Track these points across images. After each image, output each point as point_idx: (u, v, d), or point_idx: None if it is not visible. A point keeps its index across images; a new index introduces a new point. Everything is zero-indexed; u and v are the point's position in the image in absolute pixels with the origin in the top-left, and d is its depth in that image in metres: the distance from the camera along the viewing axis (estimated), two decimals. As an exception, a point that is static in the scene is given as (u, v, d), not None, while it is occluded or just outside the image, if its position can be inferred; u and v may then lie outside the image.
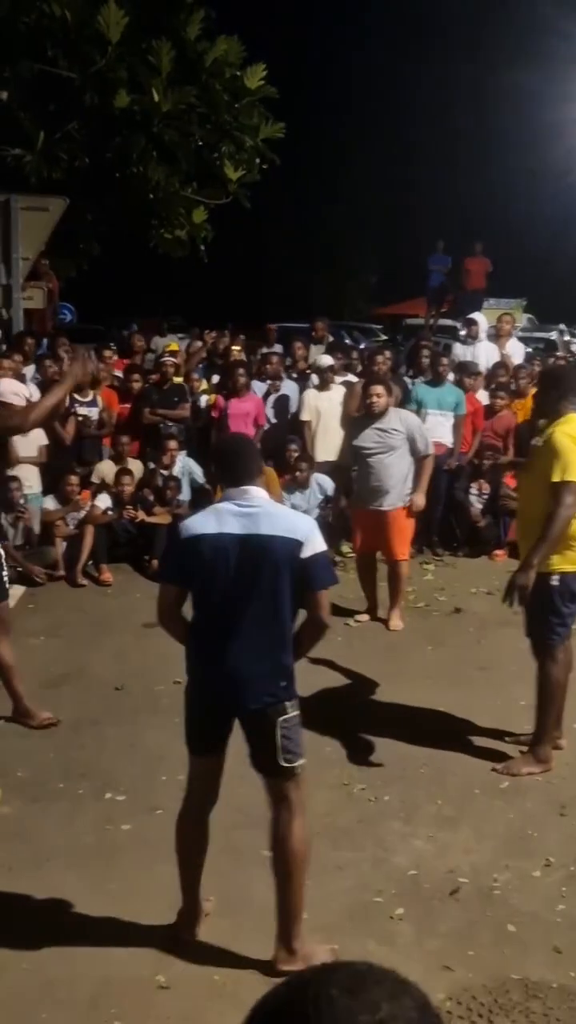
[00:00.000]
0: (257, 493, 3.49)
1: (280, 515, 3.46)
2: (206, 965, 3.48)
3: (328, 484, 9.00)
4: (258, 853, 4.15)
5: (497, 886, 3.97)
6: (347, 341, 16.94)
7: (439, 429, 8.82)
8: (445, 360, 9.17)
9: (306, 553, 3.35)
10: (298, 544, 3.34)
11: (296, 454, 9.12)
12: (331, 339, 11.17)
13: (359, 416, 7.32)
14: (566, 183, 29.66)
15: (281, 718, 3.44)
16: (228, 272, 25.25)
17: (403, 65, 30.48)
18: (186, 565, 3.49)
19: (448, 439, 8.96)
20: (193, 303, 22.77)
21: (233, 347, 11.16)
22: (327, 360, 9.45)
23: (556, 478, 4.61)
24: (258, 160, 11.08)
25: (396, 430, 6.93)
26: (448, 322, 18.22)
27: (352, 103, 31.07)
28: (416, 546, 9.20)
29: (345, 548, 9.10)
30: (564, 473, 4.60)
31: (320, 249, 32.70)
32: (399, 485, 6.98)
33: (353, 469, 7.38)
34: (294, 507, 8.86)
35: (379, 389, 6.97)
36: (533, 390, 9.63)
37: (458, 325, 15.05)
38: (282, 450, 9.23)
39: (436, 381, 9.10)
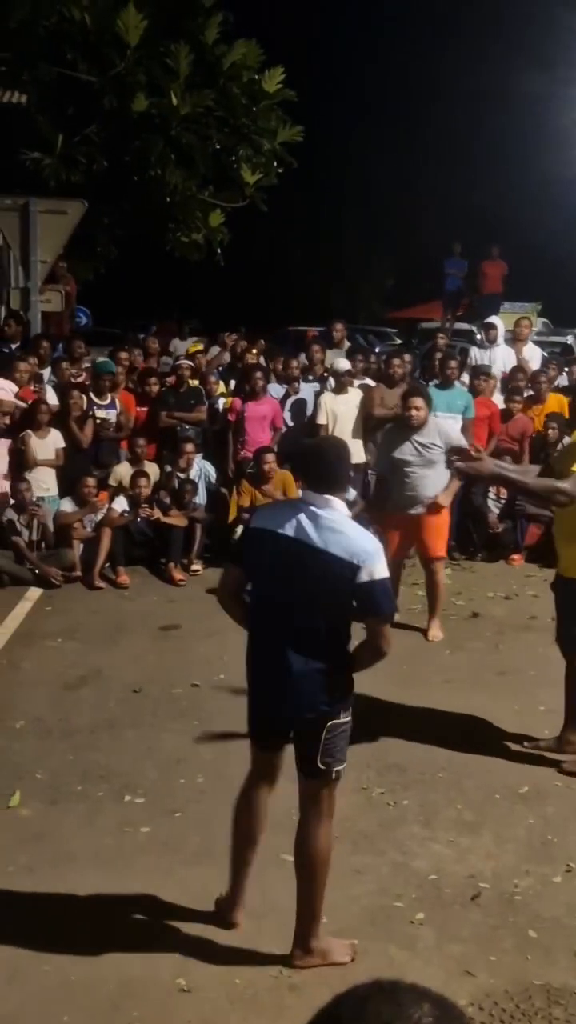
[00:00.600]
0: (336, 505, 3.43)
1: (347, 534, 3.33)
2: (227, 968, 3.47)
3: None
4: (278, 857, 4.14)
5: (518, 891, 3.95)
6: (362, 344, 16.94)
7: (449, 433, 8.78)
8: (453, 362, 9.13)
9: (362, 579, 3.27)
10: (355, 568, 3.27)
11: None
12: (348, 344, 11.15)
13: (397, 427, 7.21)
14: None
15: (330, 723, 3.45)
16: (244, 275, 25.28)
17: (421, 69, 30.50)
18: (248, 553, 3.52)
19: (459, 442, 8.91)
20: (209, 306, 22.80)
21: (252, 350, 11.16)
22: (344, 364, 9.44)
23: None
24: (275, 163, 11.09)
25: (436, 445, 6.81)
26: (464, 326, 18.19)
27: (369, 106, 31.09)
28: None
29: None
30: None
31: (336, 252, 32.72)
32: (436, 493, 6.95)
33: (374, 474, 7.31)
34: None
35: (419, 402, 6.80)
36: (552, 395, 9.66)
37: (475, 329, 15.03)
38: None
39: (445, 384, 9.09)
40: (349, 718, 3.51)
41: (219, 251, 12.36)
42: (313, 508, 3.38)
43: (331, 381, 9.48)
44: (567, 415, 9.48)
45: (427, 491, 6.92)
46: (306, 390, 9.96)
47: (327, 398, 9.28)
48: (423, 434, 6.85)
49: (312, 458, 3.67)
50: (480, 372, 9.60)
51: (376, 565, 3.30)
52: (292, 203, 25.48)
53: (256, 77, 10.62)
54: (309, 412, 9.78)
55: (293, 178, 12.41)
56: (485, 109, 30.64)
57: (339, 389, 9.29)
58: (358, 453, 9.24)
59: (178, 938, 3.63)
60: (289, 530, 3.36)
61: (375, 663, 3.53)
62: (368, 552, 3.31)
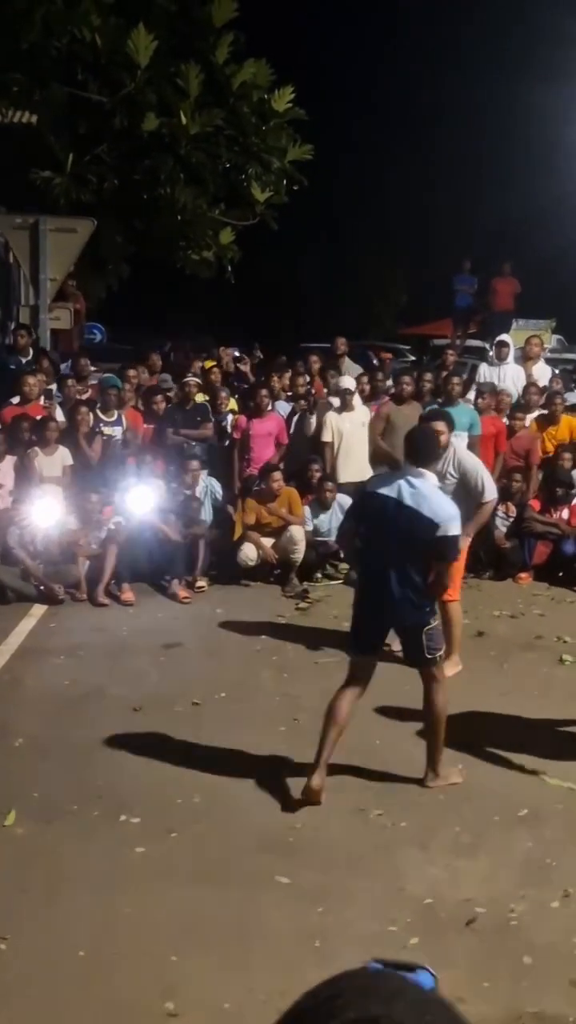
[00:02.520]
0: (428, 476, 4.81)
1: (433, 500, 4.69)
2: (215, 991, 3.44)
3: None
4: (272, 879, 4.12)
5: (514, 917, 3.90)
6: (374, 362, 16.94)
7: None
8: (457, 380, 9.09)
9: (439, 533, 4.60)
10: (435, 526, 4.59)
11: (319, 474, 9.11)
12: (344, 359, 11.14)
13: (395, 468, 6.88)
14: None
15: (426, 628, 4.78)
16: (258, 293, 25.38)
17: (433, 86, 30.60)
18: (361, 511, 5.00)
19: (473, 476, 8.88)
20: (224, 323, 22.87)
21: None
22: (349, 382, 9.45)
23: None
24: (285, 181, 11.14)
25: (451, 475, 6.26)
26: (477, 343, 18.16)
27: (381, 124, 31.21)
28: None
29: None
30: None
31: (349, 269, 32.79)
32: None
33: None
34: (317, 528, 8.87)
35: (440, 425, 6.28)
36: (564, 418, 9.61)
37: (487, 346, 15.00)
38: (304, 471, 9.23)
39: (449, 401, 9.04)
40: (437, 622, 4.91)
41: (230, 268, 12.40)
42: (412, 479, 4.71)
43: (335, 400, 9.48)
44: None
45: None
46: (281, 408, 9.98)
47: (332, 416, 9.28)
48: (442, 460, 6.29)
49: (410, 440, 5.02)
50: (485, 389, 9.57)
51: (451, 525, 4.64)
52: (306, 221, 25.60)
53: (266, 96, 10.67)
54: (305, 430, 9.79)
55: (307, 196, 12.45)
56: (498, 125, 30.72)
57: (344, 407, 9.29)
58: (364, 471, 9.23)
59: (168, 961, 3.59)
60: (392, 492, 4.69)
61: (441, 594, 4.99)
62: (447, 515, 4.65)
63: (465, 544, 6.46)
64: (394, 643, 6.25)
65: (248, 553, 8.63)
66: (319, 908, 3.91)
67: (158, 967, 3.56)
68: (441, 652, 4.97)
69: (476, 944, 3.74)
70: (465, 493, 6.20)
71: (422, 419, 7.04)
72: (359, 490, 5.08)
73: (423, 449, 4.93)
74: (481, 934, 3.80)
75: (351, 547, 5.35)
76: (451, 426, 6.49)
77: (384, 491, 4.74)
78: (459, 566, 6.73)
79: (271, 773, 5.09)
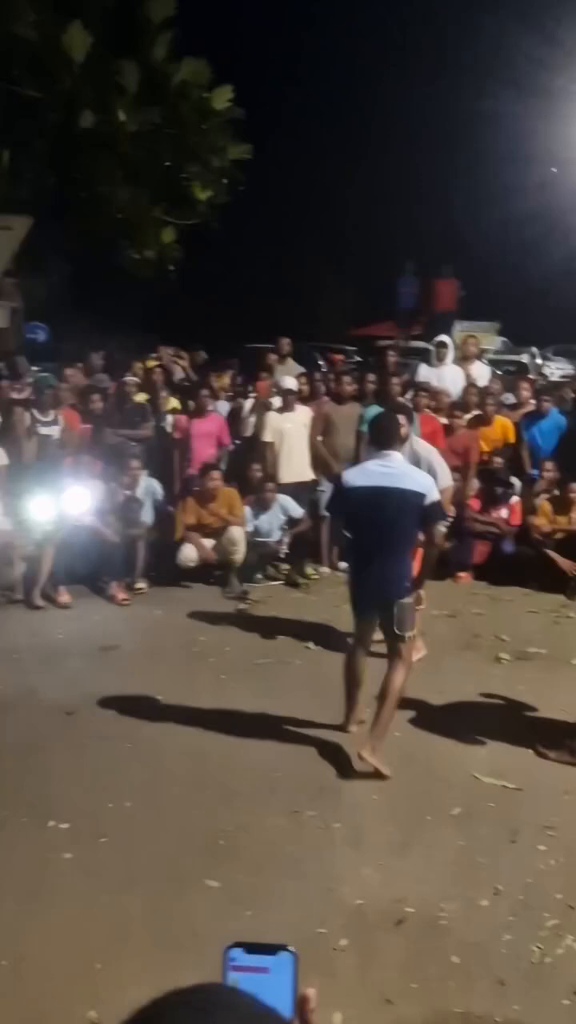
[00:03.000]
0: (396, 457, 5.23)
1: (410, 475, 5.18)
2: (141, 1000, 3.37)
3: (292, 506, 8.94)
4: (201, 882, 4.07)
5: (444, 916, 3.89)
6: (320, 363, 16.97)
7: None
8: (396, 380, 9.15)
9: (427, 501, 5.08)
10: (422, 496, 5.06)
11: (259, 474, 9.08)
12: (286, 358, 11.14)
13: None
14: (539, 209, 29.91)
15: (399, 601, 5.16)
16: (204, 293, 25.24)
17: (376, 88, 30.70)
18: (343, 506, 5.35)
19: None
20: (171, 324, 22.69)
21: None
22: (290, 382, 9.43)
23: None
24: (226, 181, 11.09)
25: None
26: (421, 344, 18.26)
27: (326, 126, 31.22)
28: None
29: (310, 570, 9.05)
30: None
31: (296, 270, 32.77)
32: None
33: None
34: (258, 528, 8.83)
35: (401, 419, 6.18)
36: (497, 419, 9.68)
37: (431, 347, 15.08)
38: (245, 471, 9.20)
39: (386, 402, 9.08)
40: (411, 599, 5.26)
41: (172, 268, 12.32)
42: (382, 463, 5.18)
43: (276, 400, 9.45)
44: (511, 438, 9.52)
45: None
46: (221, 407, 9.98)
47: (272, 416, 9.25)
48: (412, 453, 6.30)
49: (376, 426, 5.53)
50: (420, 388, 9.62)
51: (433, 491, 5.15)
52: (251, 221, 25.51)
53: (205, 95, 10.61)
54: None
55: (252, 196, 12.41)
56: (444, 129, 30.89)
57: (285, 407, 9.26)
58: (305, 471, 9.23)
59: (94, 969, 3.52)
60: (372, 481, 5.12)
61: (436, 554, 5.47)
62: (429, 484, 5.16)
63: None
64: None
65: (188, 554, 8.56)
66: (248, 911, 3.87)
67: (83, 975, 3.49)
68: (411, 632, 5.33)
69: (405, 944, 3.73)
70: None
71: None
72: (337, 485, 5.48)
73: (388, 433, 5.34)
74: (410, 934, 3.78)
75: (340, 534, 5.92)
76: (410, 419, 6.74)
77: (364, 483, 5.17)
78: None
79: (205, 776, 5.05)
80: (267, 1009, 0.92)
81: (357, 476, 5.26)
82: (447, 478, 6.66)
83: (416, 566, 5.33)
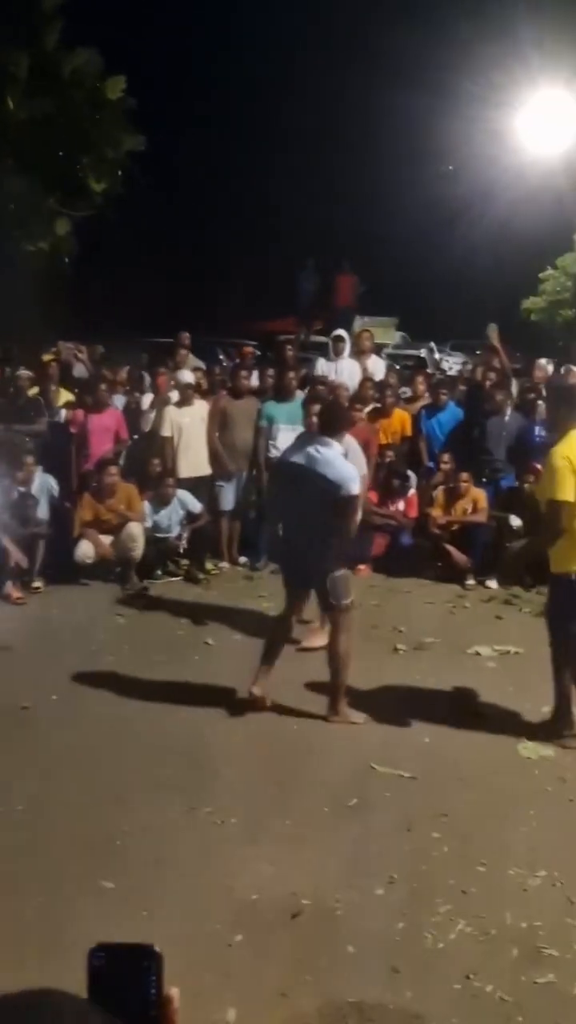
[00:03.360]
0: (332, 443, 5.50)
1: (335, 465, 5.41)
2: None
3: (190, 500, 8.88)
4: (96, 883, 4.00)
5: (339, 907, 3.90)
6: (220, 357, 16.90)
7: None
8: (291, 374, 9.20)
9: (341, 495, 5.36)
10: (338, 487, 5.35)
11: (158, 469, 9.00)
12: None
13: (305, 433, 6.72)
14: (438, 205, 30.36)
15: (330, 575, 5.51)
16: (103, 287, 24.90)
17: (276, 83, 30.72)
18: (275, 476, 6.03)
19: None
20: (69, 317, 22.32)
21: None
22: (188, 376, 9.37)
23: (548, 496, 5.20)
24: (120, 172, 10.94)
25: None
26: (321, 339, 18.34)
27: (225, 119, 31.13)
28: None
29: (210, 566, 9.01)
30: (555, 493, 5.13)
31: (196, 265, 32.59)
32: None
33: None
34: (156, 524, 8.75)
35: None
36: (396, 411, 9.79)
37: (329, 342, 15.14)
38: (143, 466, 9.11)
39: (284, 396, 9.13)
40: (342, 572, 5.61)
41: (67, 260, 12.11)
42: (318, 447, 5.46)
43: (174, 394, 9.38)
44: (408, 431, 9.64)
45: None
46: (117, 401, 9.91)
47: (171, 411, 9.17)
48: None
49: (322, 413, 5.98)
50: (318, 382, 9.67)
51: (351, 485, 5.41)
52: (151, 215, 25.26)
53: (98, 85, 10.45)
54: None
55: (150, 188, 12.27)
56: (343, 124, 31.09)
57: (183, 401, 9.19)
58: (204, 466, 9.18)
59: None
60: (303, 460, 5.46)
61: (352, 534, 5.63)
62: (347, 478, 5.39)
63: None
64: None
65: (85, 551, 8.43)
66: (143, 911, 3.82)
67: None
68: (347, 600, 5.64)
69: (300, 937, 3.73)
70: None
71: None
72: (276, 460, 6.08)
73: (331, 421, 5.69)
74: (306, 926, 3.79)
75: (273, 509, 6.15)
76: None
77: (296, 459, 5.52)
78: None
79: (100, 777, 4.97)
80: (97, 1013, 0.90)
81: (291, 451, 5.69)
82: (363, 468, 6.95)
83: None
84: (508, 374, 10.22)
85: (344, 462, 5.55)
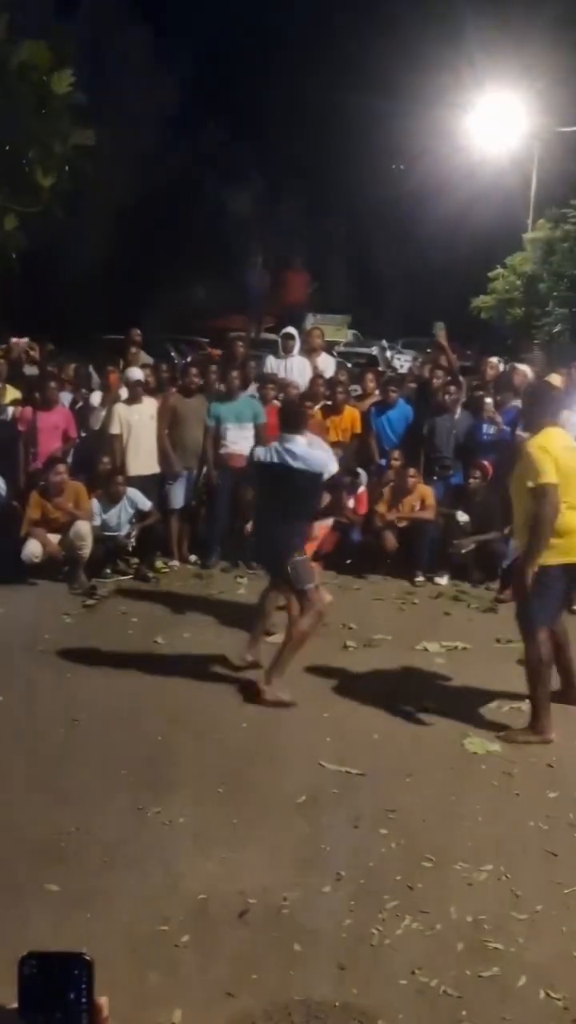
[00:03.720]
0: (299, 439, 5.97)
1: (309, 456, 5.91)
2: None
3: (140, 499, 8.82)
4: (41, 888, 3.96)
5: (287, 905, 3.90)
6: (172, 354, 16.82)
7: (241, 443, 8.86)
8: (235, 373, 9.19)
9: (324, 478, 6.02)
10: (320, 475, 5.94)
11: (108, 467, 8.93)
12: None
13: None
14: (389, 204, 30.52)
15: (288, 560, 5.88)
16: (54, 284, 24.70)
17: (228, 79, 30.65)
18: (252, 479, 6.49)
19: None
20: (18, 314, 22.04)
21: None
22: (137, 373, 9.31)
23: (532, 483, 5.28)
24: (68, 167, 10.78)
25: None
26: (272, 336, 18.33)
27: (175, 116, 30.96)
28: (230, 560, 9.15)
29: (160, 564, 8.96)
30: (539, 477, 5.25)
31: (149, 262, 32.38)
32: None
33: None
34: (105, 522, 8.68)
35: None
36: (347, 408, 9.79)
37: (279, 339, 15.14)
38: (92, 464, 9.03)
39: (230, 395, 9.12)
40: (304, 557, 6.02)
41: (14, 256, 11.92)
42: (286, 445, 5.91)
43: (123, 391, 9.32)
44: (359, 428, 9.65)
45: None
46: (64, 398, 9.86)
47: (120, 408, 9.10)
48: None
49: (283, 412, 6.42)
50: (268, 380, 9.67)
51: (330, 466, 6.18)
52: (102, 212, 25.08)
53: (45, 79, 10.27)
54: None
55: (100, 186, 12.13)
56: (293, 120, 31.06)
57: (132, 399, 9.13)
58: (153, 464, 9.13)
59: None
60: (275, 458, 5.91)
61: (333, 514, 6.76)
62: (322, 463, 5.99)
63: None
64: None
65: (33, 550, 8.33)
66: (88, 914, 3.79)
67: None
68: (311, 584, 5.95)
69: (247, 936, 3.72)
70: None
71: None
72: (250, 462, 6.70)
73: (292, 419, 6.15)
74: (253, 925, 3.78)
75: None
76: None
77: (266, 458, 6.02)
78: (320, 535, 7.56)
79: (45, 777, 4.92)
80: None
81: (262, 453, 6.19)
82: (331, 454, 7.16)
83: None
84: (456, 372, 10.28)
85: (313, 451, 6.09)
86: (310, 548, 7.07)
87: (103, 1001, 1.05)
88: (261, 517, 6.32)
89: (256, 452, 6.41)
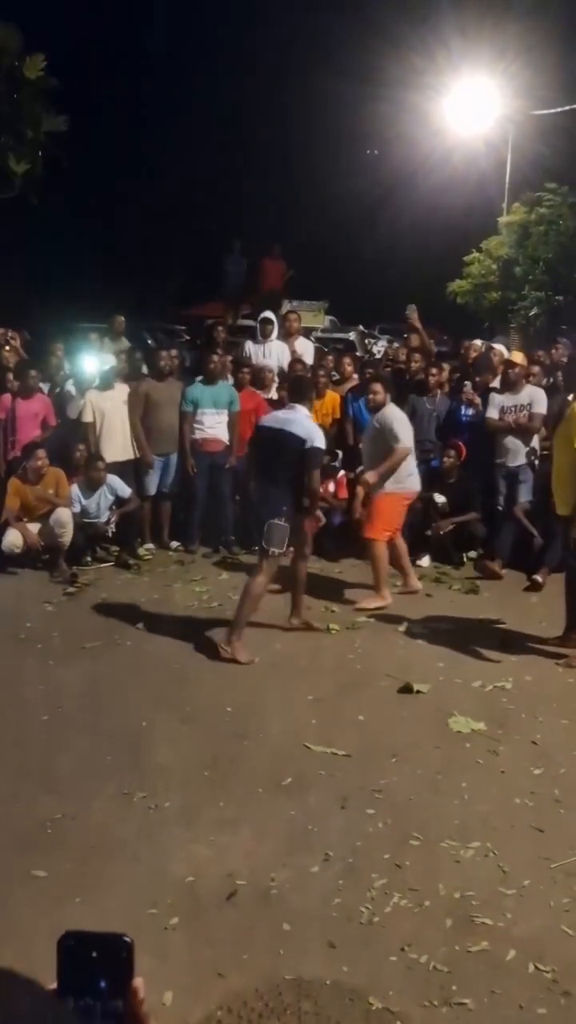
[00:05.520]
0: (299, 408, 6.55)
1: (299, 423, 6.39)
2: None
3: (119, 485, 8.78)
4: (27, 873, 3.94)
5: (275, 886, 3.90)
6: (149, 342, 16.72)
7: (218, 428, 8.85)
8: (216, 358, 9.16)
9: (306, 446, 6.29)
10: (303, 441, 6.29)
11: (83, 455, 8.88)
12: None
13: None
14: (365, 189, 30.43)
15: (269, 520, 6.24)
16: (32, 271, 24.56)
17: (204, 66, 30.48)
18: (251, 442, 6.84)
19: (226, 436, 9.00)
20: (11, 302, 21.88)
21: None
22: (110, 360, 9.27)
23: None
24: (41, 154, 10.71)
25: (375, 425, 7.67)
26: (250, 322, 18.25)
27: (151, 102, 30.77)
28: (211, 546, 9.13)
29: (142, 551, 8.93)
30: None
31: (125, 250, 32.21)
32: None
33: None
34: (85, 509, 8.63)
35: (376, 387, 7.74)
36: (330, 392, 9.78)
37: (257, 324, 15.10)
38: (68, 452, 8.98)
39: (209, 379, 9.09)
40: (283, 522, 6.25)
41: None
42: (287, 412, 6.58)
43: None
44: (339, 413, 9.64)
45: (373, 461, 7.66)
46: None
47: (93, 395, 9.06)
48: (379, 416, 7.63)
49: (289, 384, 7.26)
50: (243, 365, 9.65)
51: (317, 440, 6.38)
52: (78, 198, 24.89)
53: (16, 64, 10.20)
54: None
55: (76, 172, 12.03)
56: (269, 108, 30.95)
57: (104, 386, 9.09)
58: (128, 450, 9.09)
59: None
60: (274, 423, 6.54)
61: (315, 492, 6.54)
62: (312, 434, 6.38)
63: (371, 479, 7.60)
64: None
65: (13, 540, 8.27)
66: (77, 899, 3.77)
67: None
68: (277, 551, 6.32)
69: (236, 917, 3.71)
70: (381, 440, 7.53)
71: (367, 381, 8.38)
72: (256, 425, 7.08)
73: (296, 391, 6.79)
74: (242, 907, 3.77)
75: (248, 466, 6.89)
76: (387, 388, 7.85)
77: (267, 423, 6.63)
78: (385, 505, 7.62)
79: (30, 764, 4.89)
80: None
81: (266, 418, 6.86)
82: (408, 440, 7.55)
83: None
84: (429, 351, 10.31)
85: (310, 422, 6.55)
86: (386, 532, 7.59)
87: (139, 982, 1.02)
88: (254, 482, 6.62)
89: (263, 418, 7.02)
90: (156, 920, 3.68)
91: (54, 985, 0.99)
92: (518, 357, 9.24)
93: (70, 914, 3.66)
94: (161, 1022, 3.10)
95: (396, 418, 7.61)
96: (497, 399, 8.92)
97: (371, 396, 7.72)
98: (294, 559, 6.82)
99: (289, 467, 6.30)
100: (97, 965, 1.01)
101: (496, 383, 9.35)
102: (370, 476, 7.56)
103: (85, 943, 1.02)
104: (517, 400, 8.80)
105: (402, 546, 7.95)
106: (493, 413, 8.88)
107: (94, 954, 1.01)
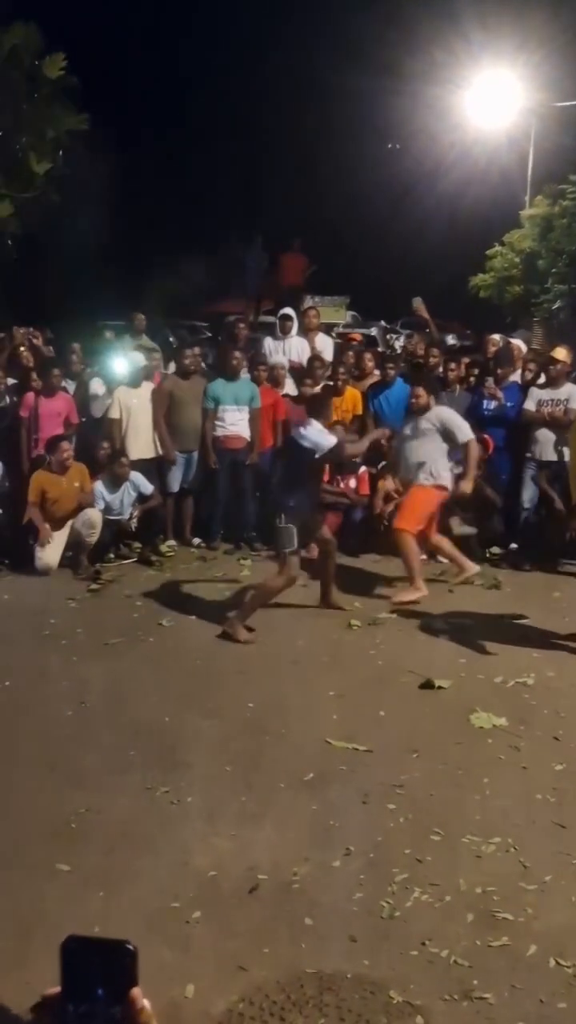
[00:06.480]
0: (313, 423, 6.89)
1: (312, 437, 6.81)
2: (-12, 991, 3.27)
3: (142, 482, 8.83)
4: (52, 866, 3.98)
5: (296, 880, 3.92)
6: (171, 339, 16.76)
7: (239, 424, 8.87)
8: (237, 354, 9.19)
9: (318, 454, 6.81)
10: (313, 451, 6.79)
11: (107, 452, 8.93)
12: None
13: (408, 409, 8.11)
14: (386, 184, 30.34)
15: (277, 524, 6.76)
16: (53, 269, 24.63)
17: (225, 62, 30.49)
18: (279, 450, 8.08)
19: (247, 433, 9.02)
20: (19, 301, 22.01)
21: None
22: (140, 359, 9.31)
23: None
24: (61, 152, 10.77)
25: (429, 426, 7.72)
26: (271, 319, 18.26)
27: (172, 100, 30.83)
28: (234, 542, 9.17)
29: (165, 548, 8.97)
30: None
31: (150, 248, 32.29)
32: (424, 466, 7.68)
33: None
34: (109, 506, 8.68)
35: (419, 391, 7.87)
36: (348, 389, 9.79)
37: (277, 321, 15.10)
38: (93, 449, 9.04)
39: (231, 375, 9.11)
40: (289, 525, 6.68)
41: (9, 242, 11.92)
42: (304, 426, 6.92)
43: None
44: (360, 409, 9.64)
45: (415, 461, 7.75)
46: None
47: (121, 392, 9.10)
48: (425, 416, 7.76)
49: (307, 401, 7.72)
50: (259, 363, 9.68)
51: (324, 445, 6.80)
52: (102, 196, 24.91)
53: (37, 63, 10.25)
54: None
55: (103, 170, 12.08)
56: (292, 104, 30.90)
57: (134, 383, 9.13)
58: (150, 447, 9.14)
59: None
60: (296, 436, 6.97)
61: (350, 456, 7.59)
62: (319, 443, 6.80)
63: (466, 488, 7.73)
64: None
65: (48, 562, 8.33)
66: (100, 892, 3.82)
67: None
68: (289, 550, 6.66)
69: (258, 911, 3.74)
70: (433, 438, 7.67)
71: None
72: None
73: (313, 408, 7.10)
74: (264, 900, 3.80)
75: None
76: (430, 389, 7.92)
77: (292, 435, 7.17)
78: (424, 498, 7.66)
79: (55, 759, 4.94)
80: None
81: (294, 431, 7.21)
82: (468, 432, 7.72)
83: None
84: (440, 342, 10.36)
85: (320, 433, 6.88)
86: (416, 524, 7.66)
87: (136, 992, 1.03)
88: (276, 484, 7.38)
89: (293, 431, 7.45)
90: (179, 913, 3.71)
91: (57, 989, 1.00)
92: (561, 353, 9.22)
93: (94, 907, 3.71)
94: (183, 1014, 3.14)
95: (452, 414, 7.85)
96: (536, 392, 9.02)
97: (414, 400, 7.87)
98: (320, 557, 7.33)
99: (298, 472, 6.93)
100: (98, 971, 1.02)
101: (516, 376, 9.36)
102: (465, 486, 7.69)
103: (88, 948, 1.03)
104: (556, 395, 8.88)
105: (443, 539, 8.00)
106: (531, 405, 8.96)
107: (96, 960, 1.02)
